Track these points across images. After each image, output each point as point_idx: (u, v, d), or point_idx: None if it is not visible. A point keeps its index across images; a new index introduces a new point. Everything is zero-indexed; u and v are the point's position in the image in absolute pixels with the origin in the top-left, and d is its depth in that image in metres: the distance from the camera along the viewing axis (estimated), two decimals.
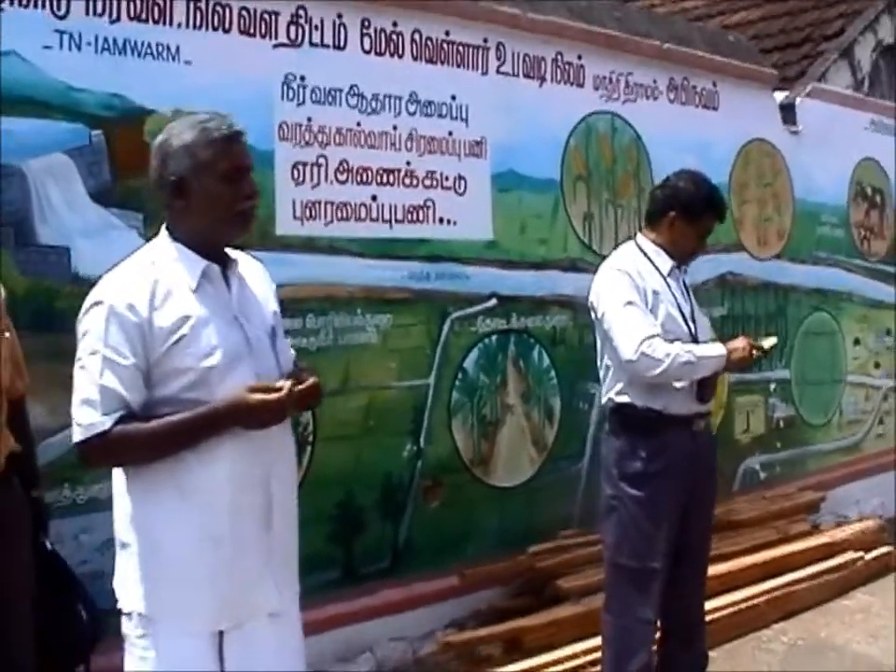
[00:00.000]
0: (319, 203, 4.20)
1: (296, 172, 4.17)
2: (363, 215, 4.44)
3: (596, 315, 3.98)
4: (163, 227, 2.42)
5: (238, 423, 2.29)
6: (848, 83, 7.43)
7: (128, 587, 2.38)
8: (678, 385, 3.84)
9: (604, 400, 4.03)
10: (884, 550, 6.36)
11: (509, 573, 4.94)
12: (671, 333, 3.83)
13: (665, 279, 3.93)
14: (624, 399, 3.90)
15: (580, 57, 5.36)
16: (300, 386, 2.36)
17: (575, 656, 4.43)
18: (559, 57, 5.26)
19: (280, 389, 2.29)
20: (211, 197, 2.34)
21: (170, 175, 2.33)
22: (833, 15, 8.15)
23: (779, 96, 6.92)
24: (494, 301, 4.93)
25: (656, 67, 5.82)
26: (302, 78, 4.18)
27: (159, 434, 2.28)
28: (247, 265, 2.53)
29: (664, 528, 3.88)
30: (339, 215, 4.32)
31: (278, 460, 2.44)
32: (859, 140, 7.50)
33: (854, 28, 7.42)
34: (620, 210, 5.65)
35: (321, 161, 4.25)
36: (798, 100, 6.83)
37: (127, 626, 2.39)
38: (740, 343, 3.89)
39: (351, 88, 4.35)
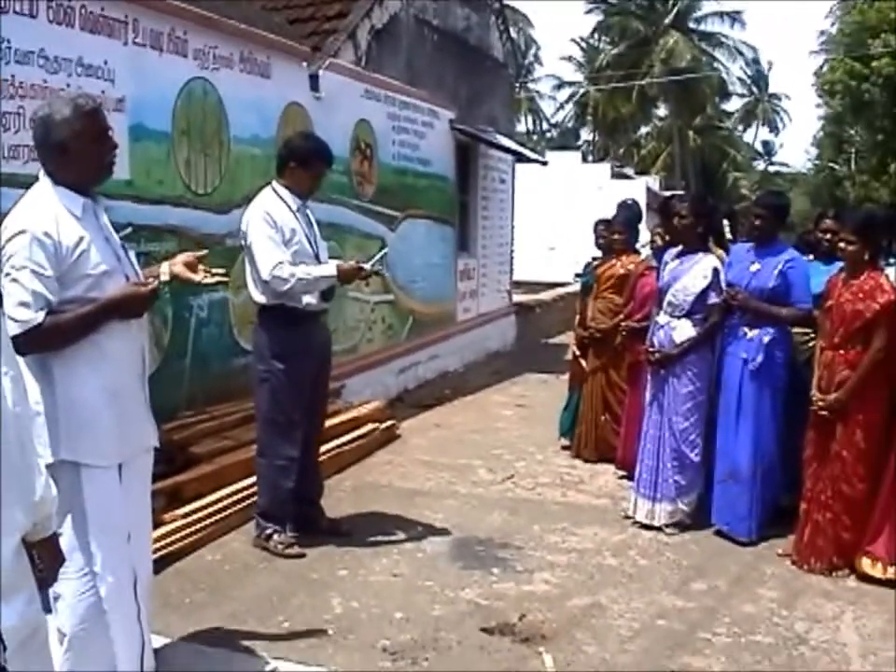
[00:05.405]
0: (19, 146, 5.09)
1: (4, 120, 5.03)
2: None
3: (245, 242, 5.41)
4: (42, 175, 3.39)
5: (129, 307, 3.38)
6: (352, 59, 9.29)
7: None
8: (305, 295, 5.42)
9: (258, 300, 5.46)
10: (390, 423, 8.52)
11: None
12: (303, 256, 5.39)
13: (295, 215, 5.47)
14: (274, 301, 5.40)
15: (185, 32, 6.58)
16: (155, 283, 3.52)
17: (221, 500, 5.88)
18: (172, 32, 6.45)
19: (147, 284, 3.45)
20: (86, 154, 3.37)
21: (55, 140, 3.34)
22: None
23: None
24: (130, 229, 6.03)
25: (232, 43, 7.17)
26: (8, 41, 5.03)
27: (75, 321, 3.28)
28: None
29: (303, 391, 5.49)
30: (33, 156, 5.19)
31: (145, 338, 3.63)
32: (357, 105, 9.46)
33: (356, 15, 9.28)
34: (208, 158, 6.98)
35: (20, 111, 5.12)
36: (321, 72, 8.55)
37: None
38: (349, 263, 5.55)
39: (40, 50, 5.25)
